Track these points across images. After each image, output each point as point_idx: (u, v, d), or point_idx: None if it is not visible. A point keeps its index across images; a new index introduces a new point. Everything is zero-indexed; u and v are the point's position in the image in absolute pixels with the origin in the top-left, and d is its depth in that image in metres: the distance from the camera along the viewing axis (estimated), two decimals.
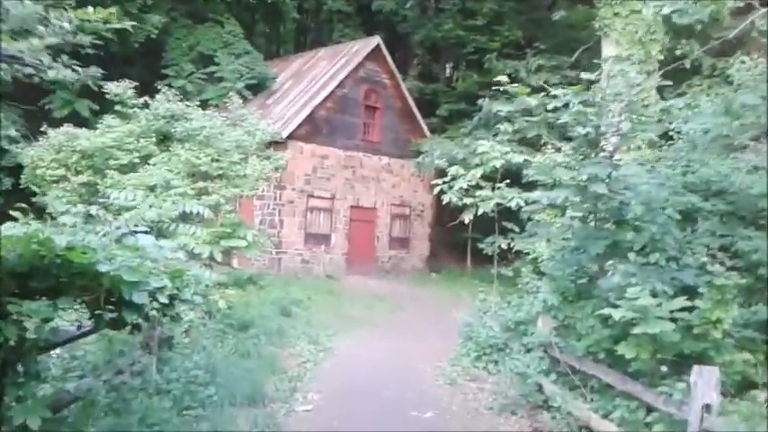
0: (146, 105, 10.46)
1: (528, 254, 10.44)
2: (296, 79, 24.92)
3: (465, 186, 9.81)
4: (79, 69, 6.93)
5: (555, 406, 6.73)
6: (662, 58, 13.56)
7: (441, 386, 9.06)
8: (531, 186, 11.70)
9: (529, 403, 7.47)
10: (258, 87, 23.92)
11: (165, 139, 10.37)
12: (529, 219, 11.80)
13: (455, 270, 25.76)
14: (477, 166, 10.37)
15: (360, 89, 23.30)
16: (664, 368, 5.25)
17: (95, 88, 9.45)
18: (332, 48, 26.48)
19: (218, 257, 9.41)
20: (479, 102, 18.83)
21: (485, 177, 10.33)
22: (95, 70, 7.58)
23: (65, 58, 6.69)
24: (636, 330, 5.06)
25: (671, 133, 7.74)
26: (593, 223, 6.96)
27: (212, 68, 22.32)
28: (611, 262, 5.81)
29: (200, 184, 9.63)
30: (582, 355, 6.68)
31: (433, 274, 25.08)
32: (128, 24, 7.04)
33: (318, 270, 21.77)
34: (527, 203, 9.59)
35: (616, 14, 14.88)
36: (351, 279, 21.56)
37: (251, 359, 9.36)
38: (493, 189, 10.01)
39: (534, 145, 13.76)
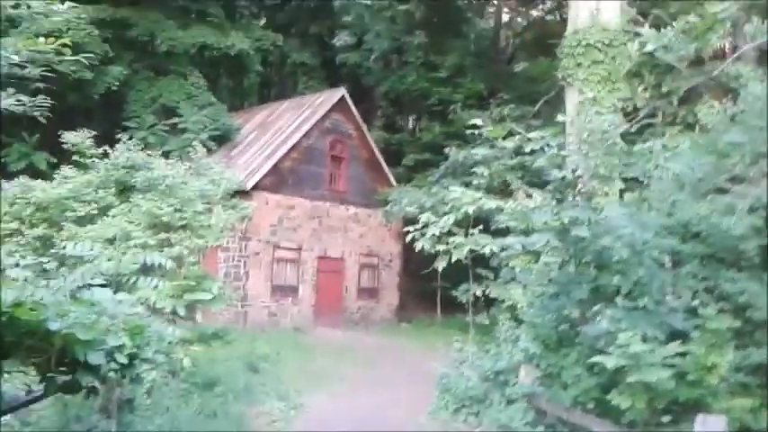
0: (105, 155, 10.06)
1: (503, 301, 10.19)
2: (260, 130, 24.76)
3: (437, 233, 9.55)
4: (24, 100, 6.55)
5: None
6: (647, 96, 13.68)
7: None
8: (501, 233, 11.58)
9: None
10: (222, 139, 23.65)
11: (125, 190, 9.96)
12: (501, 265, 11.63)
13: (425, 319, 25.39)
14: (447, 213, 10.17)
15: (325, 140, 23.22)
16: (665, 418, 4.98)
17: (53, 138, 9.12)
18: (296, 99, 26.51)
19: (182, 312, 8.92)
20: (446, 150, 18.88)
21: (456, 224, 10.13)
22: (42, 99, 7.18)
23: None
24: (630, 379, 4.81)
25: (649, 174, 7.69)
26: (573, 268, 6.77)
27: (175, 120, 22.02)
28: (596, 307, 5.59)
29: (163, 235, 9.21)
30: (570, 405, 6.38)
31: (403, 324, 24.66)
32: (82, 56, 6.66)
33: (286, 322, 21.17)
34: (502, 249, 9.40)
35: (578, 65, 15.11)
36: (319, 331, 20.99)
37: (218, 420, 8.82)
38: (466, 235, 9.78)
39: (503, 193, 13.76)
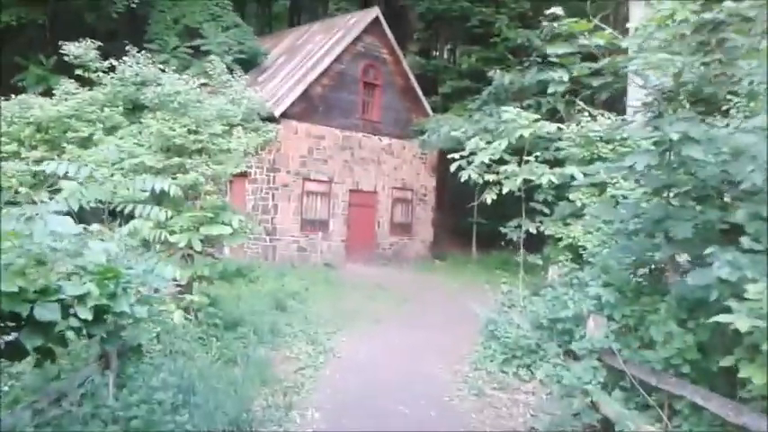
0: (111, 69, 8.89)
1: (560, 239, 8.95)
2: (289, 55, 23.31)
3: (487, 161, 8.26)
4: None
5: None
6: None
7: (465, 397, 7.60)
8: (555, 163, 10.23)
9: (583, 425, 6.02)
10: (249, 64, 22.25)
11: (134, 109, 8.84)
12: (557, 199, 10.33)
13: (460, 257, 24.34)
14: (497, 139, 8.84)
15: (358, 65, 21.71)
16: None
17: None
18: (327, 21, 24.88)
19: (198, 247, 7.91)
20: (490, 74, 17.26)
21: (508, 151, 8.80)
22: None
23: None
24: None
25: None
26: (671, 200, 5.47)
27: (198, 42, 20.66)
28: (708, 249, 4.32)
29: (176, 159, 8.11)
30: (662, 368, 5.21)
31: (437, 262, 23.65)
32: None
33: (316, 258, 20.29)
34: (569, 180, 8.08)
35: None
36: (350, 267, 20.11)
37: (238, 367, 7.90)
38: (519, 164, 8.47)
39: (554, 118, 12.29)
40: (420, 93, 23.38)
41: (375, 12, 22.13)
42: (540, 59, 17.38)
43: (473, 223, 24.88)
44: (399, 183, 23.15)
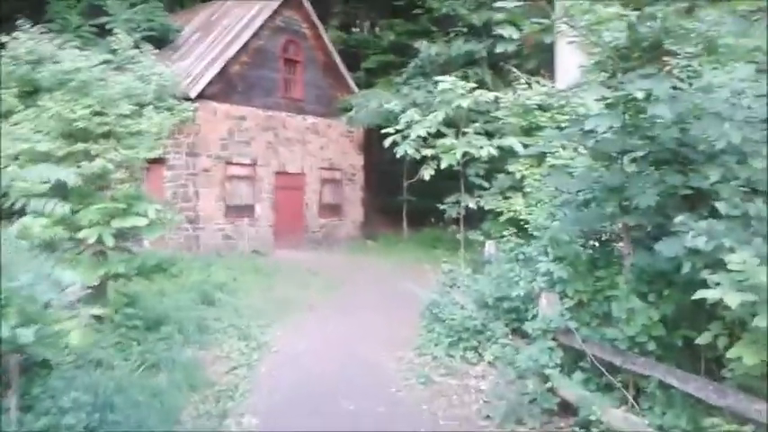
0: (1, 46, 7.83)
1: (500, 213, 8.61)
2: (204, 31, 22.05)
3: (424, 134, 7.77)
4: None
5: (588, 416, 4.93)
6: None
7: (413, 387, 7.16)
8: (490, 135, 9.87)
9: (541, 410, 5.68)
10: (160, 42, 20.84)
11: (32, 92, 7.82)
12: (489, 173, 10.00)
13: (391, 236, 23.98)
14: (433, 110, 8.38)
15: (278, 40, 20.77)
16: None
17: None
18: None
19: (109, 241, 7.09)
20: (416, 45, 16.76)
21: (445, 123, 8.35)
22: None
23: None
24: (761, 322, 3.27)
25: None
26: (628, 167, 5.11)
27: (103, 20, 19.13)
28: (679, 217, 3.98)
29: (79, 146, 7.20)
30: (626, 347, 4.89)
31: (369, 242, 23.22)
32: None
33: (243, 245, 19.41)
34: (511, 151, 7.71)
35: None
36: (280, 253, 19.36)
37: (163, 373, 7.17)
38: (457, 136, 8.03)
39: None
40: (344, 69, 22.67)
41: None
42: (465, 29, 17.07)
43: (403, 201, 24.54)
44: (326, 163, 22.47)
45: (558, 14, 13.19)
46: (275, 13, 20.56)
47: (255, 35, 19.93)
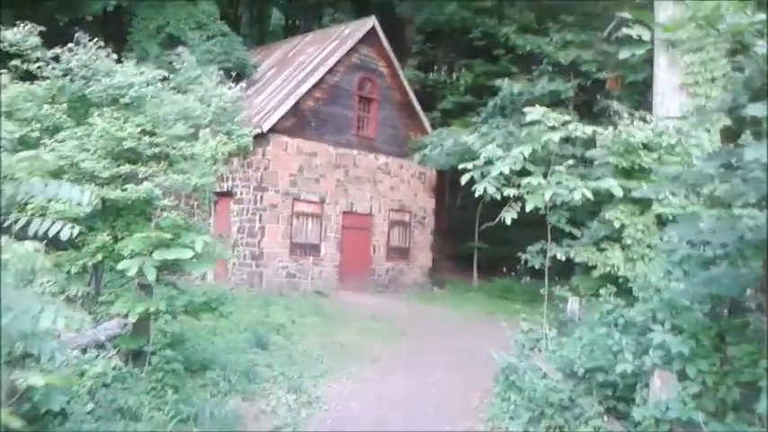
0: (56, 59, 7.38)
1: (593, 267, 7.42)
2: (280, 67, 21.92)
3: (507, 172, 6.74)
4: None
5: None
6: None
7: None
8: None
9: None
10: (237, 77, 20.72)
11: (82, 107, 7.31)
12: (572, 221, 8.81)
13: (460, 284, 22.78)
14: (518, 144, 7.35)
15: (353, 77, 20.30)
16: None
17: None
18: (321, 31, 23.58)
19: (151, 275, 6.33)
20: (497, 83, 15.84)
21: (531, 160, 7.30)
22: None
23: None
24: None
25: None
26: None
27: (181, 50, 19.17)
28: None
29: (125, 167, 6.57)
30: None
31: (436, 289, 22.08)
32: None
33: (306, 285, 18.67)
34: (609, 194, 6.59)
35: None
36: (343, 295, 18.49)
37: (197, 427, 6.30)
38: (545, 175, 6.96)
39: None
40: (419, 108, 21.98)
41: (371, 21, 20.78)
42: (550, 68, 16.08)
43: (474, 248, 23.37)
44: (396, 204, 21.63)
45: (660, 24, 12.12)
46: (352, 50, 20.16)
47: (330, 72, 19.54)
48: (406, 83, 21.77)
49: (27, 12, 14.59)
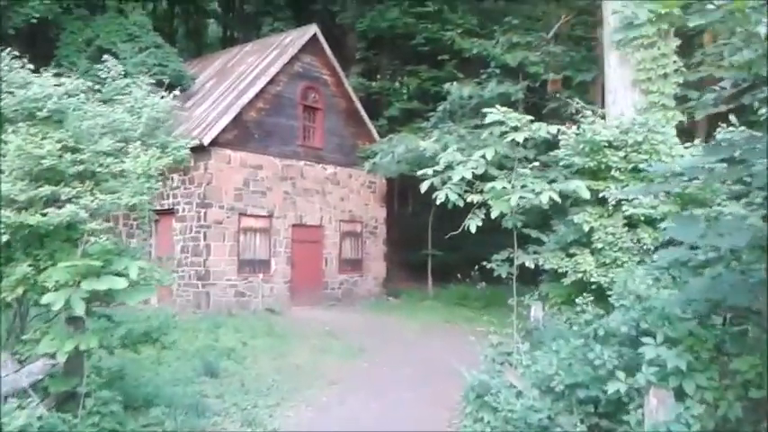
0: None
1: (564, 274, 7.02)
2: (219, 78, 21.11)
3: (469, 177, 6.28)
4: None
5: None
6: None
7: None
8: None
9: None
10: (173, 89, 19.83)
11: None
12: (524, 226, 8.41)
13: (415, 293, 22.36)
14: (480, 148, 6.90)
15: (296, 87, 19.66)
16: None
17: None
18: (261, 41, 22.87)
19: (79, 308, 5.59)
20: (446, 86, 15.49)
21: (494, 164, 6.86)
22: None
23: None
24: None
25: None
26: None
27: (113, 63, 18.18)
28: None
29: (46, 189, 5.80)
30: None
31: (391, 299, 21.60)
32: None
33: (257, 303, 17.88)
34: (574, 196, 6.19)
35: None
36: (296, 311, 17.80)
37: None
38: (509, 179, 6.52)
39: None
40: (365, 116, 21.51)
41: (313, 29, 20.22)
42: (498, 71, 15.84)
43: (428, 256, 23.00)
44: (347, 215, 21.06)
45: (609, 22, 11.96)
46: (294, 59, 19.53)
47: (272, 81, 18.86)
48: (351, 91, 21.28)
49: None
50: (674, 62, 10.80)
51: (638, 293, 5.34)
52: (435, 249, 22.69)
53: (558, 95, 17.36)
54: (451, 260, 23.34)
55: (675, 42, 10.92)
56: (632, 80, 10.96)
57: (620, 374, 4.76)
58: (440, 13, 21.81)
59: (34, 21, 16.89)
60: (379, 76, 24.58)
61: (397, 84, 23.33)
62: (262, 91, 18.52)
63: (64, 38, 19.73)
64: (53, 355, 5.94)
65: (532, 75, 15.48)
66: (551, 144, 9.34)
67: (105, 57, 7.97)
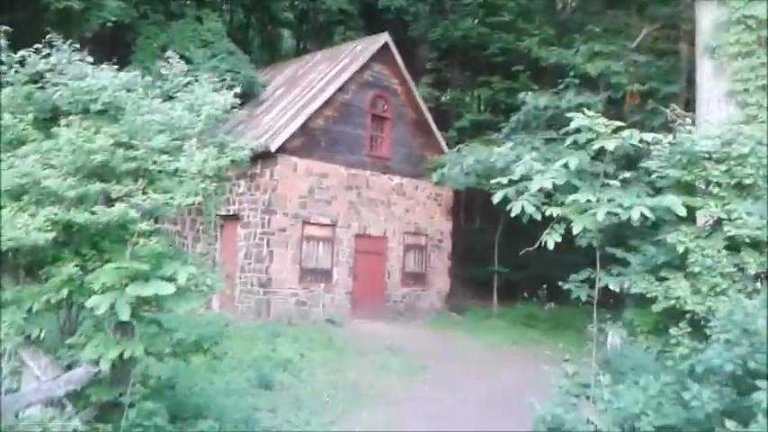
0: (22, 64, 6.42)
1: (653, 300, 6.26)
2: (289, 85, 21.04)
3: (549, 187, 5.64)
4: None
5: None
6: None
7: None
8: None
9: None
10: (245, 96, 19.83)
11: (53, 118, 6.32)
12: (622, 242, 7.65)
13: (479, 311, 21.53)
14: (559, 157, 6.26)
15: (365, 95, 19.34)
16: None
17: None
18: (332, 49, 22.69)
19: (124, 313, 5.27)
20: (521, 96, 14.80)
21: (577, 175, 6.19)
22: None
23: None
24: None
25: None
26: None
27: (186, 68, 18.40)
28: None
29: (96, 186, 5.53)
30: None
31: (455, 316, 20.85)
32: None
33: (317, 313, 17.53)
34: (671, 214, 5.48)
35: None
36: (357, 324, 17.34)
37: None
38: (594, 191, 5.84)
39: None
40: (434, 127, 20.97)
41: (384, 38, 19.88)
42: (577, 80, 15.07)
43: (494, 272, 22.19)
44: (412, 227, 20.51)
45: (702, 29, 11.05)
46: (364, 67, 19.23)
47: (341, 89, 18.60)
48: (420, 101, 20.81)
49: (22, 33, 13.85)
50: None
51: (746, 327, 4.58)
52: (501, 266, 21.89)
53: (637, 108, 16.44)
54: (517, 278, 22.49)
55: None
56: (727, 91, 10.04)
57: (730, 423, 4.02)
58: (515, 23, 21.12)
59: (110, 24, 17.21)
60: (449, 88, 24.02)
61: (468, 96, 22.69)
62: (330, 99, 18.28)
63: (140, 43, 20.13)
64: (97, 363, 5.64)
65: (614, 85, 14.66)
66: (631, 158, 8.60)
67: (169, 53, 7.59)
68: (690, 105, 12.85)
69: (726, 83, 10.18)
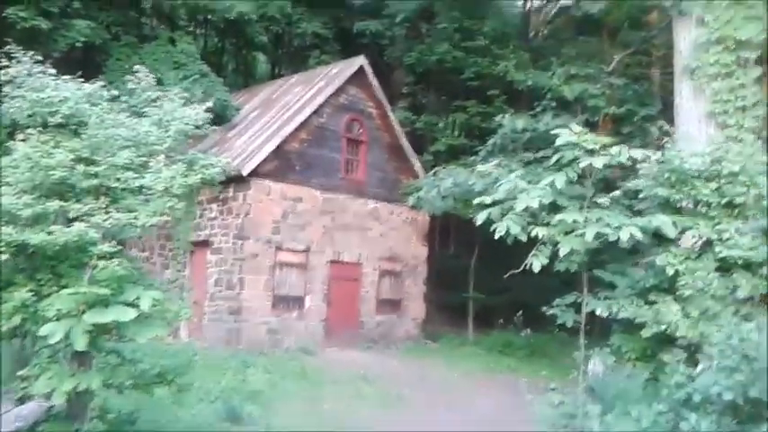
0: None
1: (641, 326, 6.02)
2: (264, 108, 20.74)
3: (536, 206, 5.40)
4: None
5: None
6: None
7: None
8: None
9: None
10: (218, 119, 19.54)
11: (10, 134, 5.93)
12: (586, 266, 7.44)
13: (455, 338, 21.25)
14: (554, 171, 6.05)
15: (341, 119, 19.10)
16: None
17: None
18: (308, 72, 22.50)
19: (80, 343, 4.85)
20: (497, 119, 14.70)
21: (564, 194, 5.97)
22: None
23: None
24: None
25: None
26: None
27: (158, 90, 18.04)
28: None
29: (55, 204, 5.14)
30: None
31: (430, 343, 20.50)
32: None
33: (289, 342, 17.01)
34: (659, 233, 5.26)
35: None
36: (330, 353, 16.87)
37: None
38: (581, 210, 5.62)
39: None
40: (410, 151, 20.79)
41: (360, 61, 19.73)
42: (553, 103, 15.05)
43: (468, 298, 21.92)
44: (387, 252, 20.16)
45: (680, 50, 11.06)
46: (339, 90, 19.02)
47: (316, 112, 18.34)
48: (396, 124, 20.63)
49: None
50: (755, 93, 9.81)
51: (746, 353, 4.34)
52: (476, 292, 21.65)
53: (612, 134, 16.46)
54: (493, 304, 22.26)
55: (756, 72, 9.95)
56: (707, 112, 10.00)
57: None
58: (490, 47, 21.18)
59: (80, 45, 16.81)
60: (425, 112, 23.98)
61: (443, 120, 22.62)
62: (305, 122, 18.00)
63: (110, 64, 19.71)
64: (49, 397, 5.20)
65: (591, 108, 14.67)
66: (609, 180, 8.44)
67: (136, 67, 7.25)
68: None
69: (705, 103, 10.14)
